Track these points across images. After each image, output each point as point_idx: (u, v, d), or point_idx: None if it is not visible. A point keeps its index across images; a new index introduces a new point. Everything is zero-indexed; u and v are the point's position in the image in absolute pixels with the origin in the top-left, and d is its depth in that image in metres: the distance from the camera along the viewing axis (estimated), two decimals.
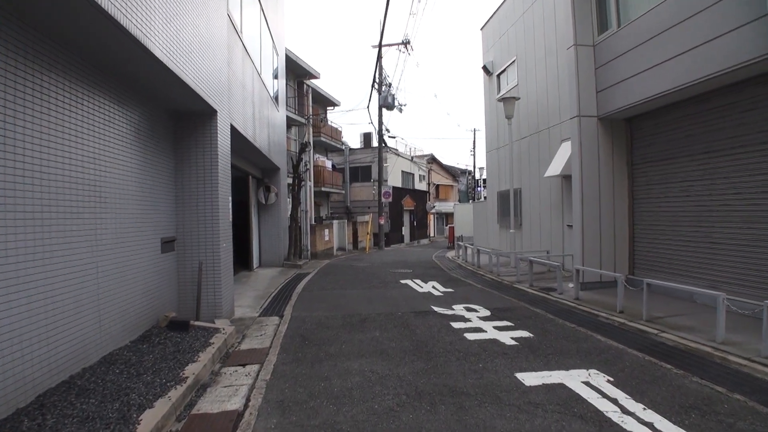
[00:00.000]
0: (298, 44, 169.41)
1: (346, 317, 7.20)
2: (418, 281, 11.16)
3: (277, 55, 14.39)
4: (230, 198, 7.50)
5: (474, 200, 37.92)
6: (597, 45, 9.23)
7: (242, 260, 13.82)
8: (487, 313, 7.40)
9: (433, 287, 10.15)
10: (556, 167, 11.62)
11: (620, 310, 7.13)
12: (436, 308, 7.78)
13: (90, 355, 4.44)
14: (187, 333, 5.76)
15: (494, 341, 5.72)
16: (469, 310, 7.63)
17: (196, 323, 6.14)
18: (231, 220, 7.54)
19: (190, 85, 5.57)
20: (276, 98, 14.00)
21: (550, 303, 8.28)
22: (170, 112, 6.57)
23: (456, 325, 6.59)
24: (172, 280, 6.55)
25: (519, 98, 13.01)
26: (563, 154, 11.59)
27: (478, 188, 38.36)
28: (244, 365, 5.00)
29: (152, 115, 5.99)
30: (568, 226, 11.73)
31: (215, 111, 6.76)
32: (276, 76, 14.19)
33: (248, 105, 9.49)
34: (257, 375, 4.66)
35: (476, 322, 6.73)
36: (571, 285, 9.42)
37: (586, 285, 8.93)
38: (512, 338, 5.84)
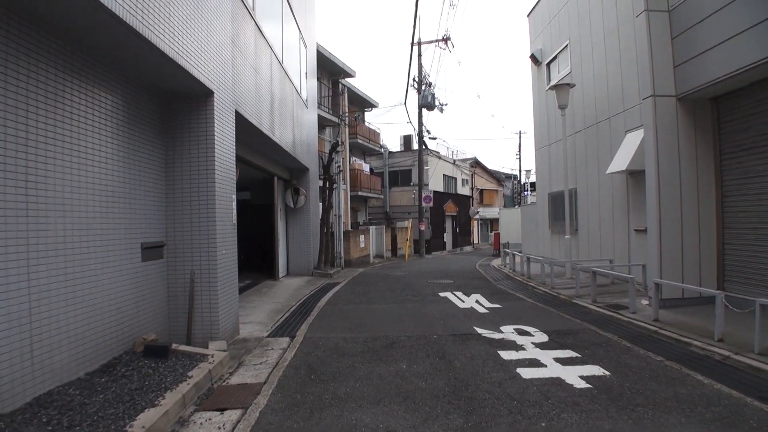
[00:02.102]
0: (333, 43, 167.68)
1: (368, 341, 5.91)
2: (459, 294, 9.74)
3: (306, 47, 13.38)
4: (234, 197, 6.39)
5: (520, 205, 35.95)
6: (673, 9, 7.60)
7: (267, 269, 12.85)
8: (545, 338, 5.93)
9: (477, 302, 8.71)
10: (620, 162, 9.96)
11: (719, 338, 5.49)
12: (480, 330, 6.38)
13: (15, 396, 3.35)
14: (166, 361, 4.63)
15: (558, 382, 4.29)
16: (521, 333, 6.19)
17: (181, 348, 5.01)
18: (235, 222, 6.43)
19: (168, 54, 4.47)
20: (304, 93, 12.97)
21: (623, 325, 6.71)
22: (157, 92, 5.53)
23: (506, 354, 5.17)
24: (158, 294, 5.47)
25: (574, 84, 11.42)
26: (628, 146, 9.93)
27: (525, 193, 36.33)
28: (223, 410, 3.80)
29: (128, 93, 4.95)
30: (635, 230, 10.04)
31: (211, 92, 5.67)
32: (304, 70, 13.17)
33: (264, 93, 8.42)
34: (233, 429, 3.44)
35: (531, 351, 5.30)
36: (644, 302, 7.80)
37: (665, 302, 7.28)
38: (582, 377, 4.39)
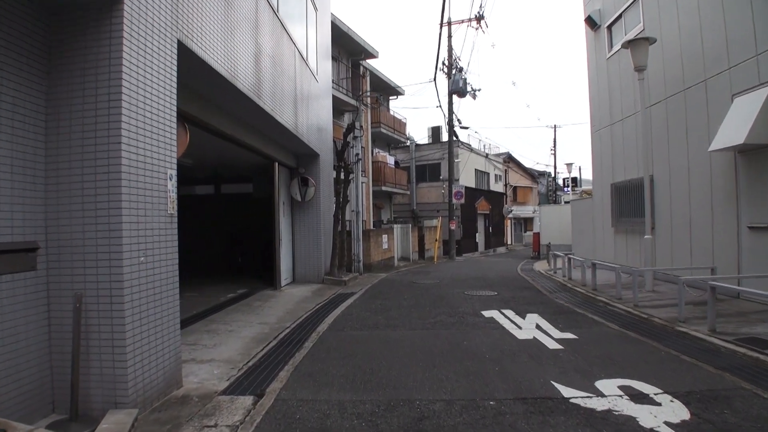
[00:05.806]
0: (355, 22, 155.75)
1: (380, 413, 3.50)
2: (509, 313, 7.24)
3: (316, 10, 11.10)
4: (172, 173, 4.11)
5: (556, 203, 33.03)
6: None
7: (265, 275, 10.66)
8: (683, 411, 3.41)
9: (539, 328, 6.21)
10: (731, 135, 7.30)
11: None
12: (564, 390, 3.89)
13: None
14: None
15: None
16: (635, 397, 3.70)
17: None
18: (173, 213, 4.14)
19: None
20: (312, 63, 10.69)
21: None
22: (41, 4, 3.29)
23: None
24: (25, 331, 3.21)
25: (654, 39, 8.78)
26: (740, 114, 7.31)
27: (565, 189, 33.29)
28: None
29: None
30: (749, 227, 7.39)
31: None
32: (313, 37, 10.88)
33: (242, 37, 6.13)
34: None
35: None
36: None
37: None
38: None
